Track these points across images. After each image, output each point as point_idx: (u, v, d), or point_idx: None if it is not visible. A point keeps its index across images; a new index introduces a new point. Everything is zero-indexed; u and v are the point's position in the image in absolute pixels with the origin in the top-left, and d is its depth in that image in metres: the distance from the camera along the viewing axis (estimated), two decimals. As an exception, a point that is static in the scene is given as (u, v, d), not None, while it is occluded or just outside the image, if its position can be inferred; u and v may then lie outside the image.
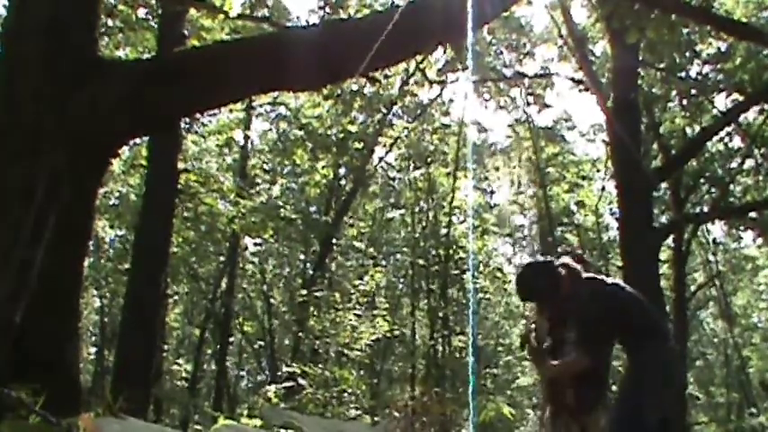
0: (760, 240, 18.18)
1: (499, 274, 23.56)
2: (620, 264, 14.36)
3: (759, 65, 12.70)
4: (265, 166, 20.66)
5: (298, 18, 16.50)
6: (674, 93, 14.71)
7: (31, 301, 3.75)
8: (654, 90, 14.47)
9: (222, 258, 19.67)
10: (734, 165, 16.08)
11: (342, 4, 12.83)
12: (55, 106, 4.11)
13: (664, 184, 15.19)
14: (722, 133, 14.22)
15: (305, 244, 21.12)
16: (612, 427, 4.12)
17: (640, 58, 11.71)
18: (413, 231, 21.80)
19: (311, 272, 19.25)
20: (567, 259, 4.39)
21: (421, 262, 20.90)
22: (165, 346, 18.86)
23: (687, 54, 13.05)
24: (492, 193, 25.85)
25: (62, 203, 3.93)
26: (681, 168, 14.40)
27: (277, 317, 22.21)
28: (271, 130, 21.60)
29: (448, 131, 20.86)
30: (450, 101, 22.05)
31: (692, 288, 22.05)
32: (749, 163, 15.67)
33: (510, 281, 24.78)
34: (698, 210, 16.70)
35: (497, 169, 24.02)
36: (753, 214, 15.19)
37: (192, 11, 10.26)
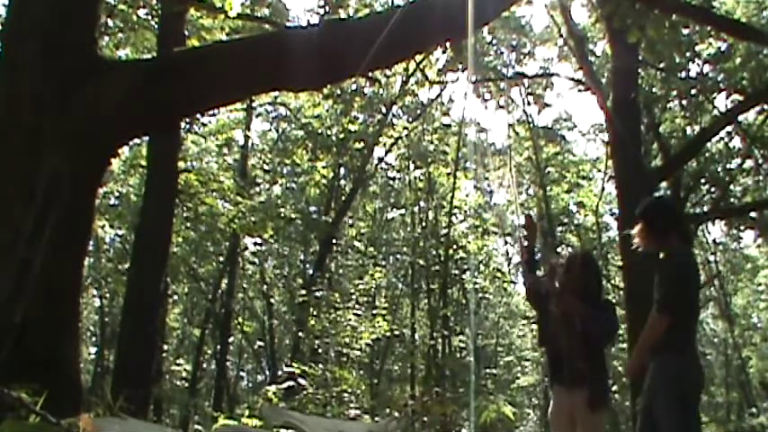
0: (760, 240, 18.17)
1: (499, 274, 23.56)
2: (620, 264, 14.38)
3: (759, 65, 12.69)
4: (265, 166, 20.66)
5: (298, 18, 16.53)
6: (674, 93, 14.69)
7: (31, 302, 3.74)
8: (654, 90, 14.46)
9: (222, 258, 19.67)
10: (734, 165, 16.07)
11: (342, 4, 12.80)
12: (55, 106, 4.11)
13: (664, 184, 15.16)
14: (722, 133, 14.20)
15: (305, 244, 21.13)
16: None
17: (640, 58, 11.69)
18: (413, 231, 21.79)
19: (311, 272, 19.23)
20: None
21: (421, 262, 20.89)
22: (165, 346, 18.86)
23: (687, 54, 13.02)
24: (492, 192, 25.89)
25: (62, 203, 3.92)
26: (681, 168, 14.38)
27: (277, 317, 22.22)
28: (271, 130, 21.65)
29: (448, 131, 20.86)
30: (451, 101, 22.10)
31: (692, 288, 22.01)
32: (749, 163, 15.66)
33: (510, 281, 24.90)
34: (698, 210, 16.68)
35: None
36: (753, 214, 15.16)
37: (192, 11, 10.27)
